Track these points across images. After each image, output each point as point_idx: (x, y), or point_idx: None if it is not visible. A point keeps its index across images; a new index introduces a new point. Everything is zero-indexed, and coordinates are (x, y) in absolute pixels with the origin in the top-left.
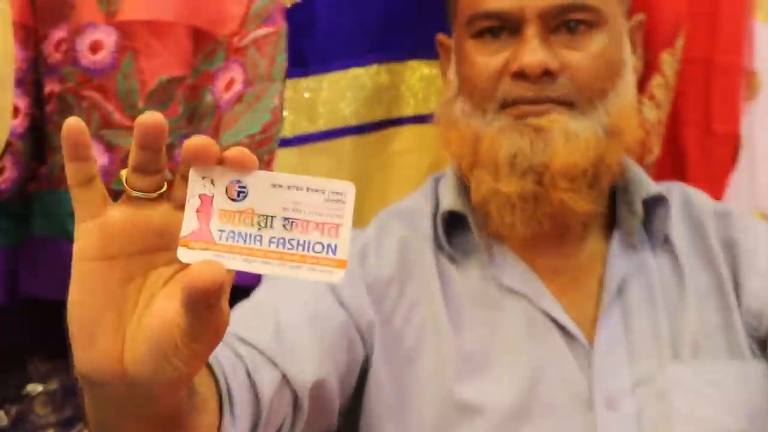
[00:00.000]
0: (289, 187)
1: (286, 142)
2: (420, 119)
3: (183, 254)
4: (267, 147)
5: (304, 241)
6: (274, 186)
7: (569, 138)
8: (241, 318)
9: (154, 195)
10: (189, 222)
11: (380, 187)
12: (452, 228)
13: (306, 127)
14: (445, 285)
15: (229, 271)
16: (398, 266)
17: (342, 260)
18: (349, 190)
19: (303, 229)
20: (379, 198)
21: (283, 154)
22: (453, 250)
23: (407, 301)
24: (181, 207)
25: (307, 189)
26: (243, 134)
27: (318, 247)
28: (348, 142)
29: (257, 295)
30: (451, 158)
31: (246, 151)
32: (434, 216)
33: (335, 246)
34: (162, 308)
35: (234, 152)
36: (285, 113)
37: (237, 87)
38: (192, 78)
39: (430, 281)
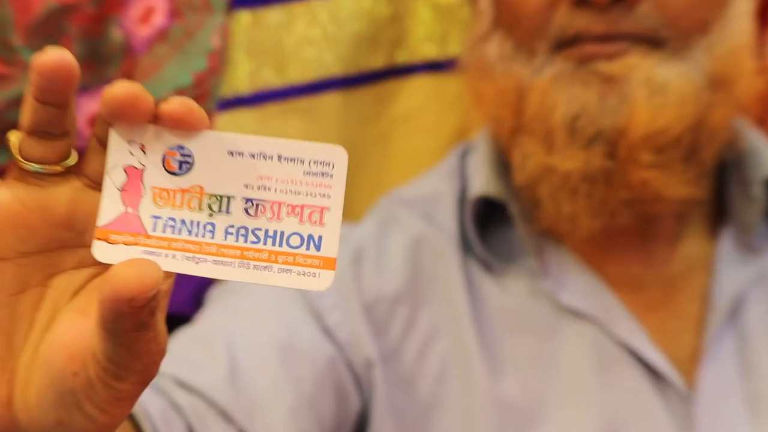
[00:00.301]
0: (253, 156)
1: (241, 102)
2: (436, 67)
3: (101, 251)
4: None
5: (276, 232)
6: (231, 154)
7: (655, 91)
8: (181, 353)
9: (59, 168)
10: (109, 206)
11: (378, 165)
12: (487, 222)
13: (270, 80)
14: (476, 304)
15: (167, 274)
16: (409, 278)
17: (329, 258)
18: (339, 157)
19: (274, 214)
20: (376, 180)
21: (235, 119)
22: (488, 252)
23: (422, 328)
24: (97, 185)
25: (280, 157)
26: (167, 87)
27: (295, 240)
28: (331, 100)
29: (203, 319)
30: (484, 122)
31: (191, 103)
32: (460, 204)
33: (320, 238)
34: (69, 330)
35: (175, 105)
36: (238, 58)
37: (158, 19)
38: (92, 5)
39: (454, 299)
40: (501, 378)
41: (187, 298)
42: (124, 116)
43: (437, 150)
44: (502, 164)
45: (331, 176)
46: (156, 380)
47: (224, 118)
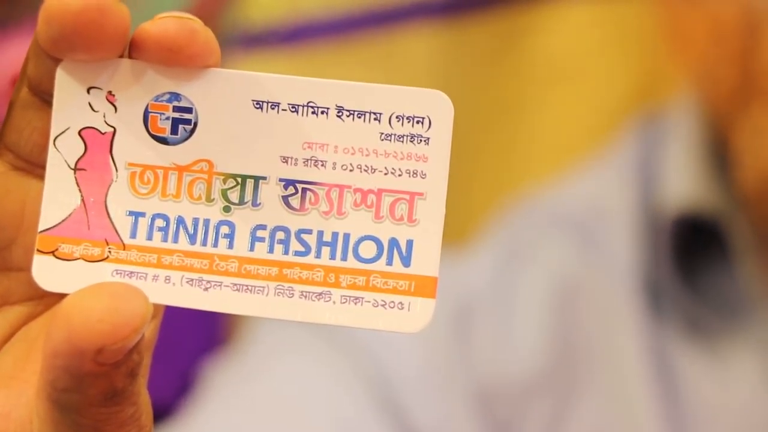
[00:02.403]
0: (295, 109)
1: (273, 38)
2: None
3: (45, 272)
4: None
5: (335, 236)
6: (259, 106)
7: None
8: None
9: None
10: (56, 197)
11: (500, 149)
12: (690, 252)
13: (319, 2)
14: (672, 396)
15: (155, 310)
16: (553, 352)
17: (427, 278)
18: (440, 109)
19: (332, 206)
20: (496, 175)
21: (264, 65)
22: (697, 304)
23: None
24: (30, 164)
25: (340, 110)
26: (146, 12)
27: (368, 249)
28: (419, 38)
29: (199, 423)
30: (686, 79)
31: (193, 21)
32: (645, 223)
33: (409, 245)
34: None
35: (166, 24)
36: None
37: None
38: None
39: (631, 386)
40: None
41: (171, 377)
42: (81, 44)
43: (601, 124)
44: (719, 155)
45: (427, 141)
46: None
47: (246, 62)
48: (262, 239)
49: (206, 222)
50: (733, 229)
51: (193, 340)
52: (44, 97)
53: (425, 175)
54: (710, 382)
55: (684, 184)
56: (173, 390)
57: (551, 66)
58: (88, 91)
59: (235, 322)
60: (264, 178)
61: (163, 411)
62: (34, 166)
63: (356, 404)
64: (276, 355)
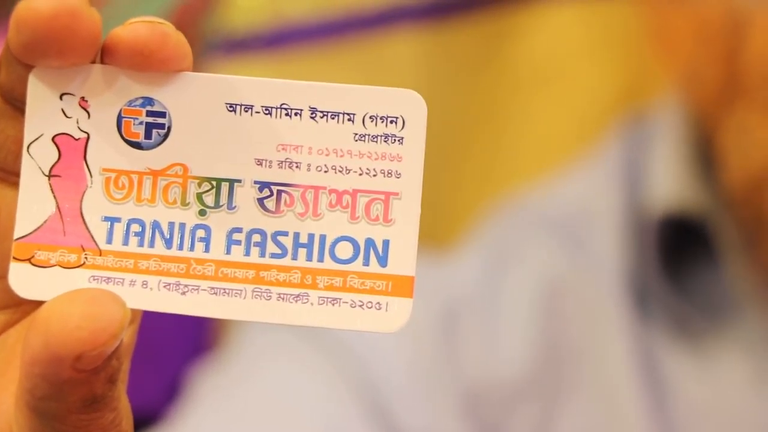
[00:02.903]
0: (269, 111)
1: (256, 43)
2: None
3: (21, 280)
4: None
5: (311, 238)
6: (233, 109)
7: None
8: None
9: None
10: (31, 204)
11: (486, 151)
12: (676, 253)
13: (302, 6)
14: (658, 396)
15: (133, 315)
16: (540, 353)
17: (404, 278)
18: (412, 108)
19: (307, 208)
20: (482, 177)
21: (247, 70)
22: (684, 304)
23: None
24: (3, 172)
25: (314, 111)
26: (122, 19)
27: (345, 250)
28: (403, 41)
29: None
30: (672, 79)
31: (164, 26)
32: (631, 224)
33: (386, 245)
34: None
35: (138, 30)
36: None
37: None
38: None
39: (618, 387)
40: None
41: (158, 383)
42: (53, 50)
43: (587, 125)
44: (705, 155)
45: (401, 141)
46: None
47: (228, 68)
48: (238, 242)
49: (182, 226)
50: (720, 229)
51: (179, 346)
52: (16, 105)
53: (400, 174)
54: (697, 383)
55: (670, 184)
56: (161, 395)
57: (537, 68)
58: (60, 98)
59: (222, 327)
60: (239, 180)
61: (150, 416)
62: (8, 174)
63: (343, 408)
64: (262, 360)
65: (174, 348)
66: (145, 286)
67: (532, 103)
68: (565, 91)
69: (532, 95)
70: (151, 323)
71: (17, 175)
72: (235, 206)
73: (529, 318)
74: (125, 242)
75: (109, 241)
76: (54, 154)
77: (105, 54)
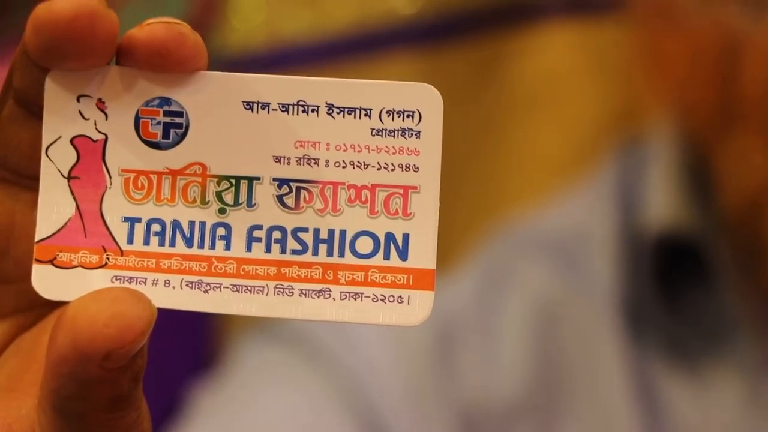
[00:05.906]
0: (286, 108)
1: (252, 63)
2: (581, 6)
3: (45, 281)
4: None
5: (331, 233)
6: (249, 107)
7: None
8: None
9: None
10: (52, 206)
11: (482, 173)
12: (671, 275)
13: (299, 28)
14: (653, 420)
15: (154, 312)
16: (534, 375)
17: (424, 271)
18: (429, 102)
19: (326, 204)
20: (478, 199)
21: None
22: (679, 328)
23: None
24: (19, 176)
25: (331, 108)
26: None
27: (365, 245)
28: (401, 63)
29: None
30: (666, 102)
31: (182, 26)
32: (626, 246)
33: (405, 239)
34: None
35: (156, 30)
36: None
37: None
38: None
39: (612, 410)
40: None
41: (157, 400)
42: (72, 52)
43: (581, 149)
44: (699, 178)
45: (418, 135)
46: None
47: None
48: (258, 239)
49: (202, 225)
50: (714, 252)
51: (178, 364)
52: (31, 108)
53: (418, 168)
54: (691, 405)
55: (664, 207)
56: (159, 414)
57: (532, 92)
58: (78, 100)
59: (221, 345)
60: (258, 178)
61: None
62: (23, 178)
63: (340, 429)
64: (259, 380)
65: (173, 366)
66: (167, 285)
67: (528, 126)
68: (560, 115)
69: (528, 119)
70: (150, 342)
71: (31, 178)
72: (254, 204)
73: (524, 340)
74: (146, 242)
75: (130, 241)
76: (73, 156)
77: (121, 55)
